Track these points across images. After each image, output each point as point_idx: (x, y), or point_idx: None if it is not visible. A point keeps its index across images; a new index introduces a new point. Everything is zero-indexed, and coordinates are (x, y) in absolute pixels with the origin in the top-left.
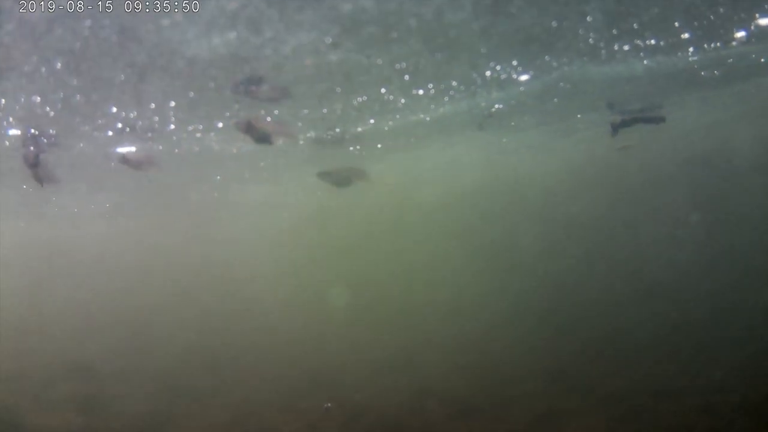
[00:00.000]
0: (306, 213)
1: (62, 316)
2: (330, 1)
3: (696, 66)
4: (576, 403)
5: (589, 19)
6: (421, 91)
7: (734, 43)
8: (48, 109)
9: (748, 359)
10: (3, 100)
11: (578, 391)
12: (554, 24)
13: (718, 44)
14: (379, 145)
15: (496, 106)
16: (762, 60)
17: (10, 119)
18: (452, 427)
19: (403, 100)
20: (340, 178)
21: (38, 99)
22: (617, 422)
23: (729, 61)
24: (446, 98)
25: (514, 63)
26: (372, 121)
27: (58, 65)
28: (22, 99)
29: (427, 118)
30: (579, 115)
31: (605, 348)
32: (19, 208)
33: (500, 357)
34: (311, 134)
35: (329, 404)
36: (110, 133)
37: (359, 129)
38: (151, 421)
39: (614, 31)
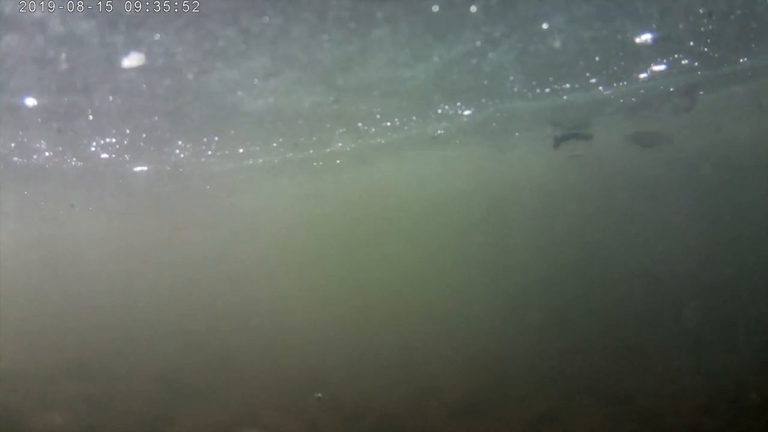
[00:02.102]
0: (301, 215)
1: (63, 316)
2: (330, 79)
3: (612, 97)
4: (576, 403)
5: (511, 78)
6: (388, 123)
7: (640, 81)
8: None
9: (747, 359)
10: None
11: (578, 391)
12: (486, 82)
13: (625, 83)
14: (338, 161)
15: (439, 131)
16: (671, 89)
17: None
18: (452, 426)
19: (373, 129)
20: None
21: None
22: (617, 422)
23: (641, 92)
24: (406, 127)
25: (458, 104)
26: (340, 144)
27: (156, 118)
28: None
29: (383, 141)
30: (517, 134)
31: (605, 348)
32: (20, 211)
33: (500, 357)
34: (291, 154)
35: (321, 394)
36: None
37: (327, 150)
38: (151, 421)
39: (534, 82)
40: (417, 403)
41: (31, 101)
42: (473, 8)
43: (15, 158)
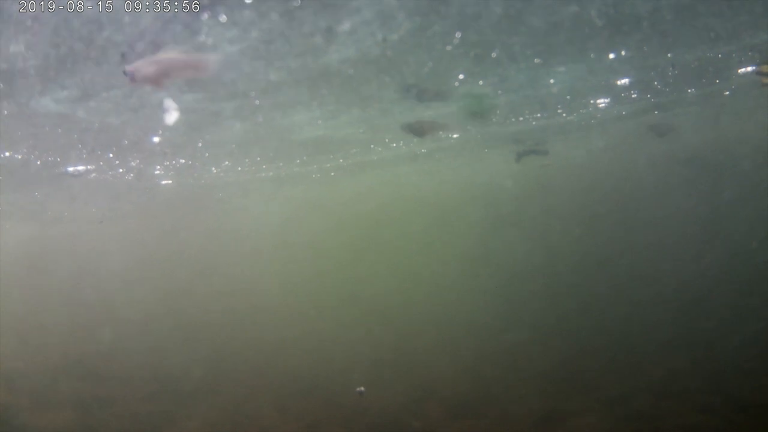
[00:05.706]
0: (298, 220)
1: (62, 316)
2: (372, 119)
3: (575, 120)
4: (576, 404)
5: (498, 112)
6: (394, 145)
7: (598, 107)
8: None
9: (747, 359)
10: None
11: (578, 392)
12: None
13: (585, 110)
14: (332, 174)
15: (422, 149)
16: (623, 113)
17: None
18: (452, 427)
19: (379, 149)
20: None
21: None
22: (618, 422)
23: (598, 116)
24: (403, 147)
25: None
26: (341, 160)
27: (234, 146)
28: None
29: (375, 158)
30: (486, 150)
31: (606, 348)
32: (21, 212)
33: (501, 357)
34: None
35: (363, 388)
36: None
37: (327, 165)
38: (151, 421)
39: (510, 113)
40: (417, 403)
41: (156, 139)
42: (480, 82)
43: (93, 174)
